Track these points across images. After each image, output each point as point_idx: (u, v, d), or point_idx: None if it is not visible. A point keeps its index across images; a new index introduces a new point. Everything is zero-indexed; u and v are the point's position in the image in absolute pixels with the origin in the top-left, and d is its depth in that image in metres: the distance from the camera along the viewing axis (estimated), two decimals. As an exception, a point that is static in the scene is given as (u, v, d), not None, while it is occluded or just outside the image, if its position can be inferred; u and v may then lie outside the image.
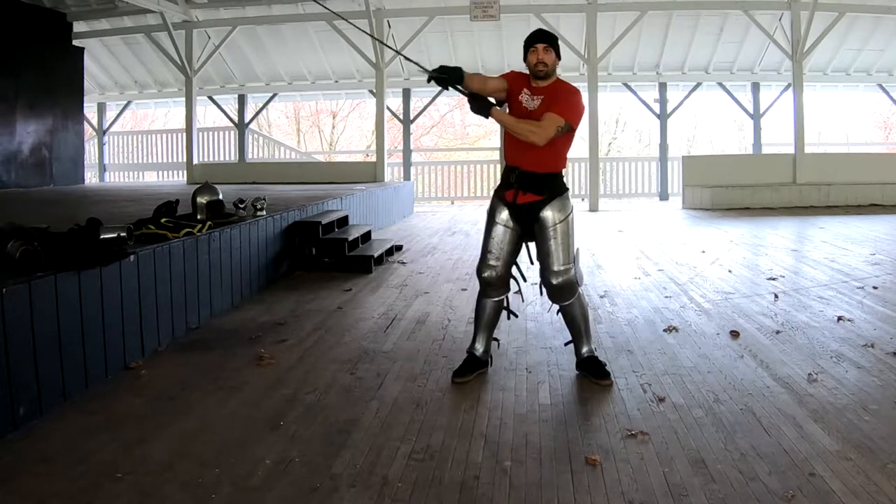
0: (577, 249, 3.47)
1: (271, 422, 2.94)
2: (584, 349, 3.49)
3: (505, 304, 3.57)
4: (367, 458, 2.60)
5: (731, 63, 13.86)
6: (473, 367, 3.49)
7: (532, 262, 3.52)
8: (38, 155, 12.03)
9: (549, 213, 3.37)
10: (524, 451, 2.65)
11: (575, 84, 3.47)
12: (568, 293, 3.42)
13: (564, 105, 3.29)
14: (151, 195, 8.66)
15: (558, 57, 3.37)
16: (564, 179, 3.48)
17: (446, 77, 3.29)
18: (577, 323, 3.49)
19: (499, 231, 3.43)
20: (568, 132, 3.32)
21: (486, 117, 3.33)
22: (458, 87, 3.34)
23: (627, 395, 3.21)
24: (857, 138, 21.81)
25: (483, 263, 3.47)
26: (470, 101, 3.29)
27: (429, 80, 3.32)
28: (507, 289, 3.53)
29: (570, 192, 3.51)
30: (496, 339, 3.70)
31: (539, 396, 3.22)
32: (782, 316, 4.57)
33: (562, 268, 3.37)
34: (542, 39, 3.35)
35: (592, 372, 3.41)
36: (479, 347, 3.54)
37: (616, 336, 4.20)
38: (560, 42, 3.49)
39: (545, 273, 3.41)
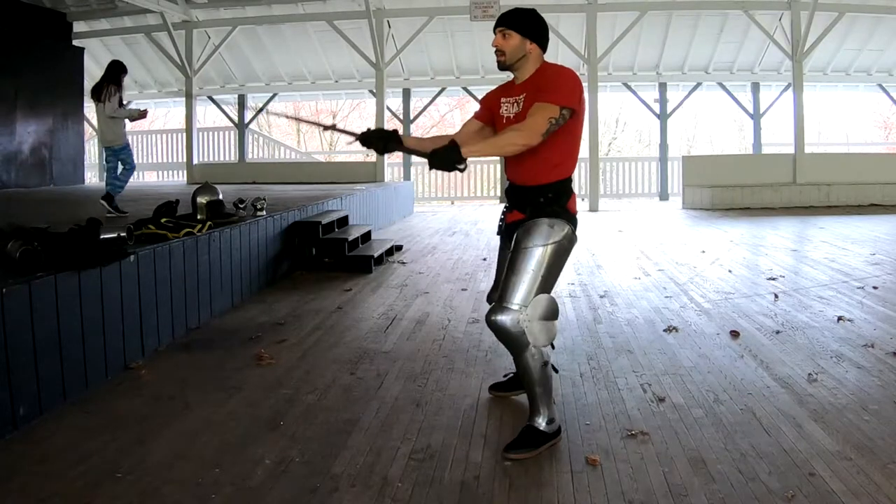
0: (548, 303, 2.62)
1: (271, 422, 2.94)
2: (537, 419, 2.68)
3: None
4: (367, 458, 2.60)
5: (731, 63, 13.87)
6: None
7: None
8: (38, 155, 12.03)
9: (521, 233, 2.68)
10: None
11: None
12: (509, 342, 2.64)
13: (552, 88, 2.59)
14: (151, 195, 8.66)
15: (531, 38, 2.71)
16: (570, 198, 2.73)
17: (388, 146, 2.74)
18: (527, 380, 2.69)
19: (500, 259, 2.96)
20: (569, 120, 2.60)
21: (458, 166, 2.54)
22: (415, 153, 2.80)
23: (627, 395, 3.20)
24: (857, 138, 21.83)
25: (490, 293, 3.04)
26: (431, 161, 2.56)
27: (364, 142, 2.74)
28: None
29: (571, 223, 2.71)
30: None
31: (539, 396, 3.21)
32: (782, 316, 4.57)
33: (507, 304, 2.58)
34: (499, 23, 2.73)
35: (514, 440, 2.66)
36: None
37: (616, 336, 4.20)
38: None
39: (493, 301, 2.75)
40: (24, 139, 11.69)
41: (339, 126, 2.93)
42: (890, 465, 2.44)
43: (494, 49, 2.75)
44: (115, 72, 7.07)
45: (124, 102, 7.24)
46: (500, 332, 2.61)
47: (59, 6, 12.57)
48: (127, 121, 7.14)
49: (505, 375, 3.32)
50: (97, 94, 6.97)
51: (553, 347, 2.74)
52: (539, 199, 2.70)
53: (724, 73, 14.10)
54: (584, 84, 11.53)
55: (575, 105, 2.60)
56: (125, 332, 3.64)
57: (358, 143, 2.78)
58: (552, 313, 2.65)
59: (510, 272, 2.63)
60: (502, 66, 2.78)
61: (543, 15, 2.85)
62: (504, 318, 2.58)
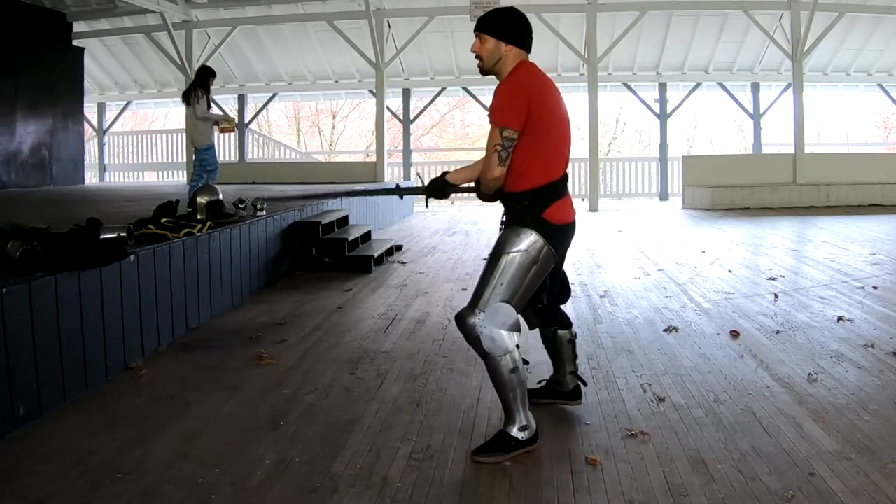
0: (506, 313, 2.56)
1: (271, 422, 2.94)
2: (510, 426, 2.60)
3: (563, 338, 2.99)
4: (367, 458, 2.60)
5: (731, 63, 13.89)
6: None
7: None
8: (38, 155, 12.04)
9: (497, 237, 2.71)
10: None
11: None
12: (471, 344, 2.63)
13: (493, 107, 2.58)
14: (151, 195, 8.66)
15: (506, 40, 2.61)
16: (552, 206, 2.62)
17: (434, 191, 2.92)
18: (496, 385, 2.61)
19: None
20: (526, 131, 2.54)
21: (447, 196, 2.93)
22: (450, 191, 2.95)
23: (627, 395, 3.20)
24: (857, 138, 21.84)
25: None
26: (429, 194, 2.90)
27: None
28: (543, 322, 2.97)
29: (545, 233, 2.60)
30: (578, 378, 3.05)
31: (539, 396, 3.20)
32: (782, 316, 4.57)
33: (470, 306, 2.60)
34: (475, 27, 2.67)
35: (485, 443, 2.63)
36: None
37: (616, 336, 4.19)
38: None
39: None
40: (24, 139, 11.70)
41: (403, 186, 3.16)
42: (890, 465, 2.44)
43: (474, 55, 2.68)
44: (204, 76, 7.58)
45: (211, 105, 7.77)
46: (461, 331, 2.63)
47: (59, 6, 12.57)
48: (215, 128, 7.69)
49: (539, 382, 3.14)
50: (187, 97, 7.55)
51: (526, 363, 2.66)
52: (515, 207, 2.66)
53: (724, 73, 14.12)
54: (584, 84, 11.73)
55: (512, 122, 2.51)
56: (125, 332, 3.64)
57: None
58: (509, 324, 2.57)
59: (480, 275, 2.68)
60: (483, 72, 2.71)
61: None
62: (463, 319, 2.61)
